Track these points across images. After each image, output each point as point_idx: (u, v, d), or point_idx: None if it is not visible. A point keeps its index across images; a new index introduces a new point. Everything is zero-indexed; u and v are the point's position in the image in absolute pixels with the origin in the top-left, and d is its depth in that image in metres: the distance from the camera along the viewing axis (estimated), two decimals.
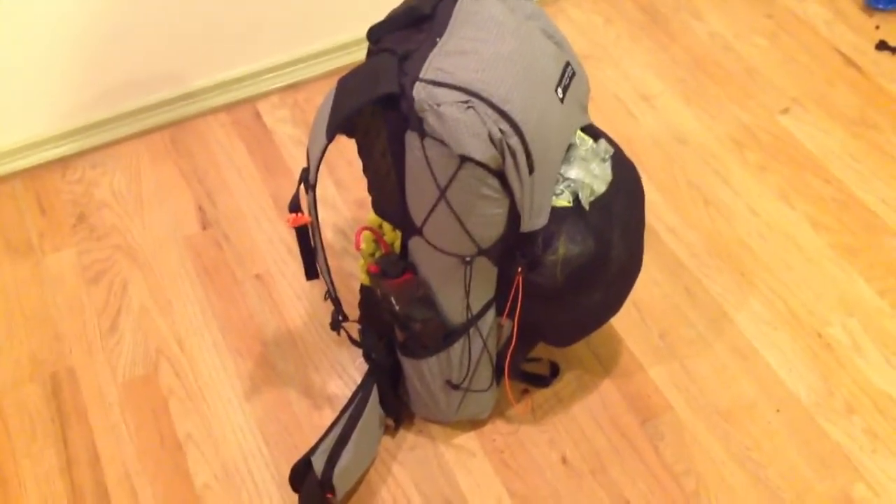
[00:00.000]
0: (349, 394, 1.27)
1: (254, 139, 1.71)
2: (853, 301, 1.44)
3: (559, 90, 1.06)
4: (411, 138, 1.00)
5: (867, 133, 1.68)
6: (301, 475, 1.18)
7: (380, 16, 1.12)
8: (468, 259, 1.07)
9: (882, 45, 1.83)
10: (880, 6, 1.91)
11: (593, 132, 1.14)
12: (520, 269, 1.07)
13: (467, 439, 1.30)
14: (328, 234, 1.55)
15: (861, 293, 1.45)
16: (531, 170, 0.99)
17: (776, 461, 1.27)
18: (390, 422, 1.30)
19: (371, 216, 1.18)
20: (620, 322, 1.42)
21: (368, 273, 1.13)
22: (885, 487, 1.24)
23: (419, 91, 0.97)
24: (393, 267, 1.10)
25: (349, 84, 1.04)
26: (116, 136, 1.70)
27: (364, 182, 1.17)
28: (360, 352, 1.36)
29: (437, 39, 1.02)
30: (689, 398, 1.33)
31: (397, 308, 1.12)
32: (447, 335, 1.15)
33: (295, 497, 1.21)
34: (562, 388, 1.35)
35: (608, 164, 1.12)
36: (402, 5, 1.10)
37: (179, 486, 1.26)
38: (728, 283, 1.46)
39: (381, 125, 1.03)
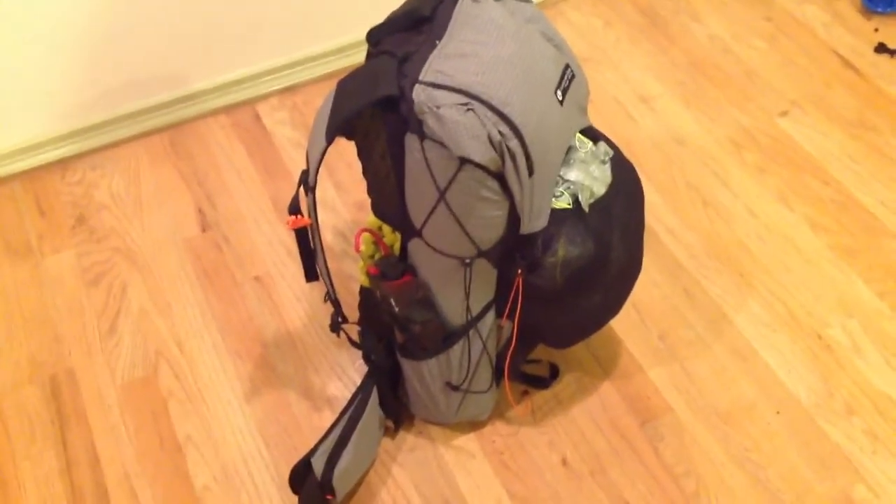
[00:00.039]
0: (349, 395, 1.27)
1: (253, 141, 1.71)
2: (852, 302, 1.44)
3: (559, 93, 1.06)
4: (411, 140, 1.00)
5: (866, 135, 1.69)
6: (301, 477, 1.18)
7: (379, 18, 1.12)
8: (468, 261, 1.07)
9: (881, 48, 1.84)
10: (879, 9, 1.91)
11: (593, 134, 1.14)
12: (519, 271, 1.07)
13: (467, 441, 1.30)
14: (328, 236, 1.55)
15: (860, 295, 1.45)
16: (531, 172, 0.99)
17: (776, 462, 1.27)
18: (390, 423, 1.30)
19: (370, 218, 1.18)
20: (620, 323, 1.42)
21: (368, 275, 1.13)
22: (886, 489, 1.24)
23: (419, 93, 0.97)
24: (392, 269, 1.10)
25: (349, 86, 1.04)
26: (116, 137, 1.70)
27: (363, 184, 1.17)
28: (359, 353, 1.36)
29: (437, 42, 1.02)
30: (688, 399, 1.33)
31: (397, 310, 1.13)
32: (447, 337, 1.15)
33: (295, 499, 1.21)
34: (561, 390, 1.35)
35: (608, 167, 1.12)
36: (401, 7, 1.10)
37: (179, 487, 1.26)
38: (727, 285, 1.46)
39: (380, 127, 1.04)
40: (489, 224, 1.03)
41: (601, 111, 1.75)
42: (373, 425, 1.24)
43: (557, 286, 1.08)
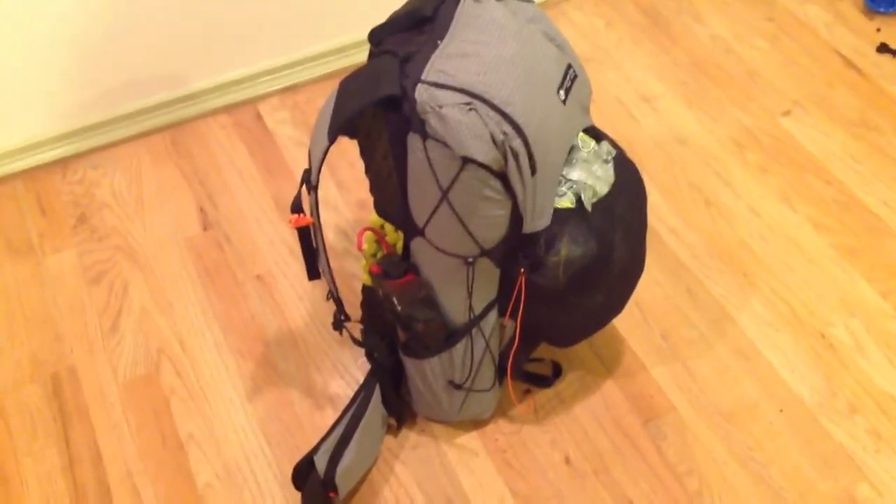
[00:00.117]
0: (351, 393, 1.27)
1: (255, 141, 1.71)
2: (855, 302, 1.44)
3: (561, 92, 1.06)
4: (413, 140, 1.00)
5: (868, 135, 1.69)
6: (304, 474, 1.18)
7: (380, 18, 1.12)
8: (470, 260, 1.07)
9: (883, 48, 1.84)
10: (881, 9, 1.91)
11: (595, 134, 1.14)
12: (522, 271, 1.07)
13: (470, 439, 1.30)
14: (330, 234, 1.55)
15: (863, 294, 1.45)
16: (533, 171, 0.99)
17: (779, 461, 1.27)
18: (392, 421, 1.30)
19: (373, 217, 1.18)
20: (622, 323, 1.42)
21: (370, 273, 1.13)
22: (889, 487, 1.24)
23: (421, 93, 0.97)
24: (395, 268, 1.10)
25: (351, 86, 1.04)
26: (117, 137, 1.70)
27: (365, 183, 1.17)
28: (362, 352, 1.36)
29: (439, 42, 1.02)
30: (691, 398, 1.33)
31: (399, 308, 1.13)
32: (449, 335, 1.15)
33: (297, 496, 1.21)
34: (564, 389, 1.35)
35: (610, 166, 1.12)
36: (403, 7, 1.10)
37: (181, 485, 1.26)
38: (730, 284, 1.46)
39: (382, 127, 1.04)
40: (492, 223, 1.03)
41: (603, 111, 1.75)
42: (375, 423, 1.24)
43: (560, 285, 1.08)
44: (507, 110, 0.96)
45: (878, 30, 1.89)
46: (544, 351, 1.34)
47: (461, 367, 1.18)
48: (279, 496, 1.24)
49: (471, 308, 1.13)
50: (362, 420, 1.20)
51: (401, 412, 1.29)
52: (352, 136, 1.11)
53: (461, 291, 1.10)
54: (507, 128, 0.96)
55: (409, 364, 1.21)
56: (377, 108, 1.02)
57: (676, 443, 1.29)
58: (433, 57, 1.00)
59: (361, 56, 1.82)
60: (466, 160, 0.97)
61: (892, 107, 1.73)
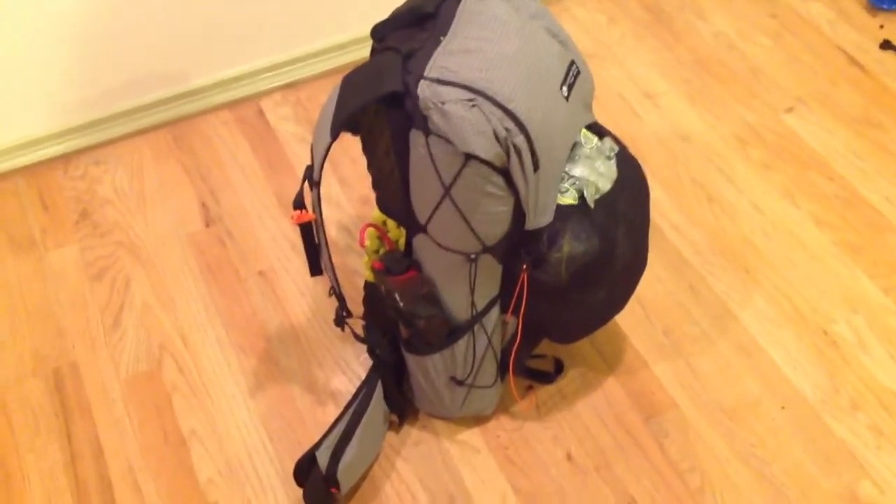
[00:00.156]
0: (353, 390, 1.27)
1: (257, 137, 1.71)
2: (858, 298, 1.44)
3: (564, 89, 1.06)
4: (415, 136, 1.00)
5: (871, 132, 1.68)
6: (305, 470, 1.19)
7: (382, 14, 1.12)
8: (473, 256, 1.07)
9: (886, 45, 1.83)
10: (884, 6, 1.90)
11: (598, 130, 1.14)
12: (524, 267, 1.07)
13: (471, 435, 1.30)
14: (332, 230, 1.55)
15: (866, 291, 1.45)
16: (536, 168, 0.99)
17: (781, 458, 1.27)
18: (394, 417, 1.30)
19: (375, 213, 1.18)
20: (625, 319, 1.42)
21: (373, 270, 1.13)
22: (891, 484, 1.24)
23: (424, 89, 0.97)
24: (397, 264, 1.10)
25: (353, 82, 1.04)
26: (119, 133, 1.70)
27: (368, 179, 1.17)
28: (363, 348, 1.36)
29: (441, 38, 1.02)
30: (693, 395, 1.33)
31: (401, 305, 1.12)
32: (451, 332, 1.15)
33: (299, 492, 1.21)
34: (566, 385, 1.35)
35: (613, 162, 1.12)
36: (405, 4, 1.10)
37: (183, 481, 1.26)
38: (732, 281, 1.46)
39: (384, 123, 1.04)
40: (494, 220, 1.03)
41: (606, 108, 1.75)
42: (377, 419, 1.24)
43: (562, 282, 1.08)
44: (510, 107, 0.96)
45: (882, 27, 1.88)
46: (546, 347, 1.34)
47: (463, 364, 1.18)
48: (281, 492, 1.25)
49: (473, 304, 1.13)
50: (364, 416, 1.20)
51: (402, 408, 1.29)
52: (354, 133, 1.11)
53: (463, 288, 1.10)
54: (510, 124, 0.96)
55: (411, 360, 1.21)
56: (380, 104, 1.02)
57: (678, 440, 1.29)
58: (436, 53, 1.00)
59: (364, 52, 1.81)
60: (469, 156, 0.97)
61: (895, 103, 1.73)
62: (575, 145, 1.10)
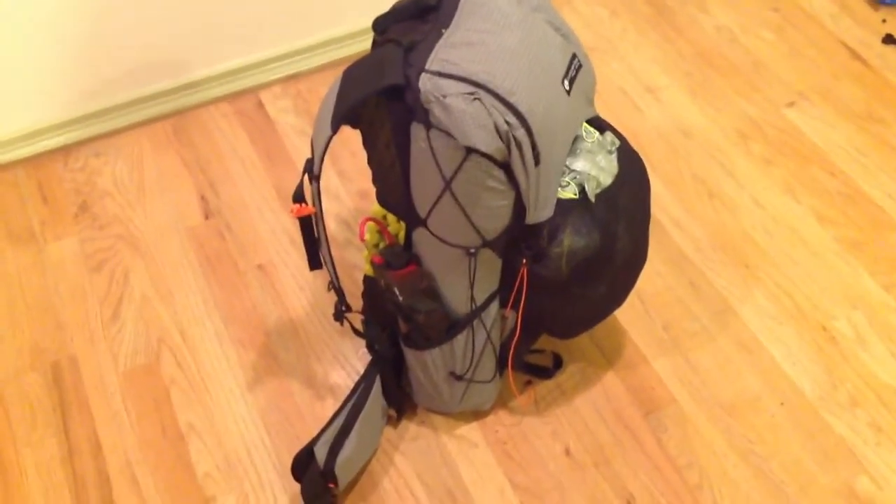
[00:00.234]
0: (351, 384, 1.27)
1: (256, 129, 1.70)
2: (858, 295, 1.43)
3: (565, 82, 1.05)
4: (416, 130, 0.99)
5: (873, 127, 1.68)
6: (303, 465, 1.18)
7: (382, 7, 1.11)
8: (473, 251, 1.06)
9: (888, 39, 1.83)
10: (887, 0, 1.90)
11: (599, 124, 1.14)
12: (524, 261, 1.07)
13: (470, 430, 1.30)
14: (331, 224, 1.55)
15: (866, 287, 1.44)
16: (537, 162, 0.99)
17: (779, 454, 1.26)
18: (393, 412, 1.30)
19: (375, 207, 1.18)
20: (624, 314, 1.41)
21: (372, 264, 1.12)
22: (889, 480, 1.24)
23: (425, 82, 0.96)
24: (397, 258, 1.10)
25: (354, 75, 1.03)
26: (118, 125, 1.70)
27: (367, 173, 1.17)
28: (362, 342, 1.35)
29: (443, 31, 1.02)
30: (692, 391, 1.33)
31: (401, 299, 1.12)
32: (451, 326, 1.15)
33: (297, 487, 1.21)
34: (565, 380, 1.35)
35: (614, 157, 1.11)
36: None
37: (181, 475, 1.26)
38: (732, 277, 1.46)
39: (385, 116, 1.03)
40: (494, 214, 1.03)
41: (607, 102, 1.74)
42: (375, 414, 1.24)
43: (563, 277, 1.08)
44: (512, 100, 0.96)
45: (884, 21, 1.87)
46: (545, 342, 1.33)
47: (462, 359, 1.18)
48: (279, 486, 1.24)
49: (472, 299, 1.12)
50: (362, 411, 1.20)
51: (401, 403, 1.29)
52: (354, 126, 1.11)
53: (463, 282, 1.10)
54: (511, 118, 0.95)
55: (410, 355, 1.21)
56: (380, 97, 1.01)
57: (677, 435, 1.28)
58: (437, 46, 0.99)
59: (365, 45, 1.81)
60: (470, 150, 0.96)
61: None
62: (576, 139, 1.09)
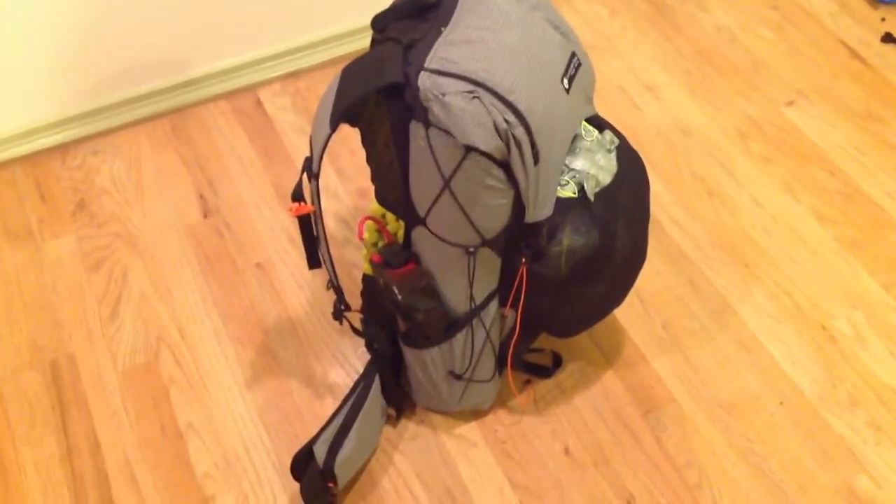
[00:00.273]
0: (351, 383, 1.27)
1: (255, 127, 1.70)
2: (857, 294, 1.43)
3: (565, 81, 1.05)
4: (415, 128, 0.99)
5: (872, 126, 1.68)
6: (303, 464, 1.18)
7: (381, 4, 1.11)
8: (472, 250, 1.06)
9: (888, 38, 1.82)
10: None
11: (598, 123, 1.14)
12: (524, 260, 1.07)
13: (469, 429, 1.29)
14: (330, 223, 1.55)
15: (865, 286, 1.44)
16: (536, 160, 0.99)
17: (779, 453, 1.26)
18: (392, 411, 1.29)
19: (374, 206, 1.17)
20: (623, 313, 1.41)
21: (371, 263, 1.12)
22: (888, 480, 1.24)
23: (424, 80, 0.96)
24: (396, 257, 1.10)
25: (353, 73, 1.03)
26: (116, 123, 1.69)
27: (366, 171, 1.17)
28: (361, 341, 1.35)
29: (442, 29, 1.01)
30: (691, 390, 1.33)
31: (400, 298, 1.12)
32: (450, 325, 1.15)
33: (296, 486, 1.21)
34: (564, 379, 1.34)
35: (613, 156, 1.11)
36: None
37: (180, 474, 1.26)
38: (732, 276, 1.46)
39: (384, 115, 1.03)
40: (494, 213, 1.03)
41: (606, 100, 1.74)
42: (375, 413, 1.24)
43: (562, 275, 1.07)
44: (511, 98, 0.95)
45: (883, 19, 1.87)
46: (544, 341, 1.33)
47: (461, 358, 1.18)
48: (278, 486, 1.24)
49: (472, 298, 1.12)
50: (362, 410, 1.20)
51: (400, 402, 1.29)
52: (353, 124, 1.10)
53: (462, 281, 1.10)
54: (511, 116, 0.95)
55: (409, 354, 1.21)
56: (379, 95, 1.01)
57: (676, 434, 1.28)
58: (436, 44, 0.99)
59: (364, 43, 1.80)
60: (469, 149, 0.96)
61: None
62: (575, 138, 1.09)
